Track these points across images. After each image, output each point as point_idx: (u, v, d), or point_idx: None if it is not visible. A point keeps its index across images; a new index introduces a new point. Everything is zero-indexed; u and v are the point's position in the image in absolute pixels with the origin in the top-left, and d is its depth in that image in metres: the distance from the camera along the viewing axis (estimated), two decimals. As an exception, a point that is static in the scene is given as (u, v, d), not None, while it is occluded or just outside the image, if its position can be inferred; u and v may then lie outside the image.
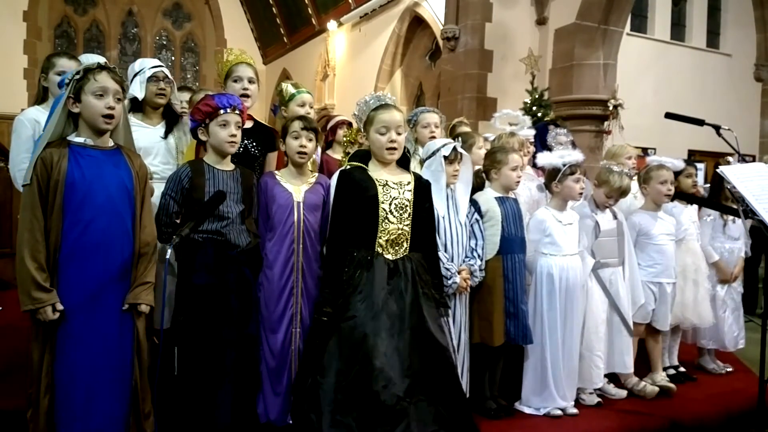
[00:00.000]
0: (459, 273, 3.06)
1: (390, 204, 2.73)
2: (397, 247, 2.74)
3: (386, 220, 2.72)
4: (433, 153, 3.10)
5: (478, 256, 3.16)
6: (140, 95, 3.22)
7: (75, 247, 2.32)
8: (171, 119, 3.35)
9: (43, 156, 2.30)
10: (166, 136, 3.28)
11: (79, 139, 2.39)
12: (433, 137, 3.40)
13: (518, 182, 3.36)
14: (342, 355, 2.61)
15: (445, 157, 3.07)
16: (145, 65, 3.29)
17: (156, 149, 3.20)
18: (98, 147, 2.41)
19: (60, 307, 2.29)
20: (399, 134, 2.76)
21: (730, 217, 4.22)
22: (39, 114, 3.35)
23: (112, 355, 2.38)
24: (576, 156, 3.42)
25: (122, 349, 2.41)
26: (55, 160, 2.29)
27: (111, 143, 2.47)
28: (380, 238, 2.71)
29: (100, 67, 2.37)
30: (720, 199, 4.20)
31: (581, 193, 3.44)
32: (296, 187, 2.93)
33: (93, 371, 2.34)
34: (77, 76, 2.35)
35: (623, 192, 3.54)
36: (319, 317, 2.70)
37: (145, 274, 2.46)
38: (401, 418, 2.54)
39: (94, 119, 2.35)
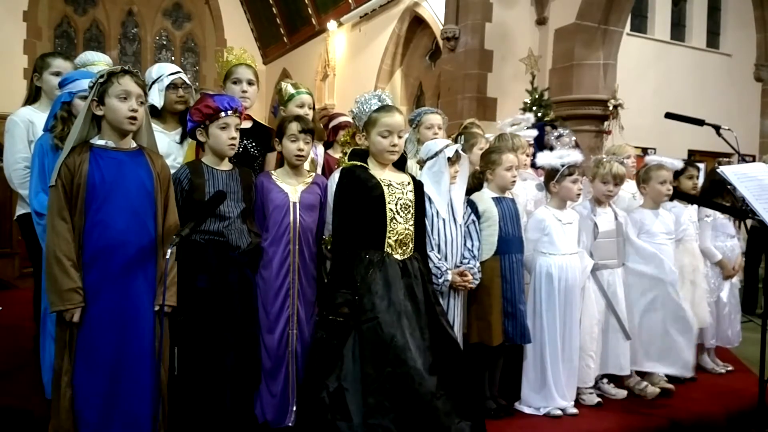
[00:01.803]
0: (462, 275, 3.05)
1: (396, 204, 2.73)
2: (404, 247, 2.74)
3: (394, 221, 2.71)
4: (435, 154, 3.08)
5: (474, 257, 3.15)
6: (159, 103, 3.19)
7: (96, 249, 2.35)
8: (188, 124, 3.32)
9: (67, 160, 2.35)
10: (181, 141, 3.24)
11: (101, 142, 2.43)
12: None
13: (513, 182, 3.35)
14: (365, 358, 2.55)
15: (448, 159, 3.06)
16: (163, 72, 3.24)
17: (170, 154, 3.16)
18: (120, 149, 2.44)
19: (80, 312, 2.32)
20: (400, 137, 2.75)
21: (726, 216, 4.23)
22: (32, 114, 3.33)
23: (134, 354, 2.40)
24: (574, 156, 3.42)
25: (146, 348, 2.43)
26: (77, 164, 2.34)
27: (133, 144, 2.50)
28: (389, 238, 2.70)
29: (124, 71, 2.42)
30: (716, 199, 4.20)
31: (579, 194, 3.44)
32: (292, 188, 2.91)
33: (116, 371, 2.37)
34: (101, 80, 2.39)
35: (616, 176, 3.52)
36: (335, 318, 2.61)
37: (171, 275, 2.47)
38: (436, 414, 2.53)
39: (119, 121, 2.39)
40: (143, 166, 2.47)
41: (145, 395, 2.42)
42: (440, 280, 2.98)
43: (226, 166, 2.80)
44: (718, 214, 4.20)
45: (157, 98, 3.18)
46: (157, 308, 2.44)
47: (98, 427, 2.35)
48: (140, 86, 2.44)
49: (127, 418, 2.39)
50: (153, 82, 3.22)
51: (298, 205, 2.89)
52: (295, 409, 2.87)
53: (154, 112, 3.23)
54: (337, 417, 2.51)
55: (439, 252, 3.03)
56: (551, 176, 3.41)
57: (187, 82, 3.30)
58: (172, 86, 3.23)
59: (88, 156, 2.37)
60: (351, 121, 3.16)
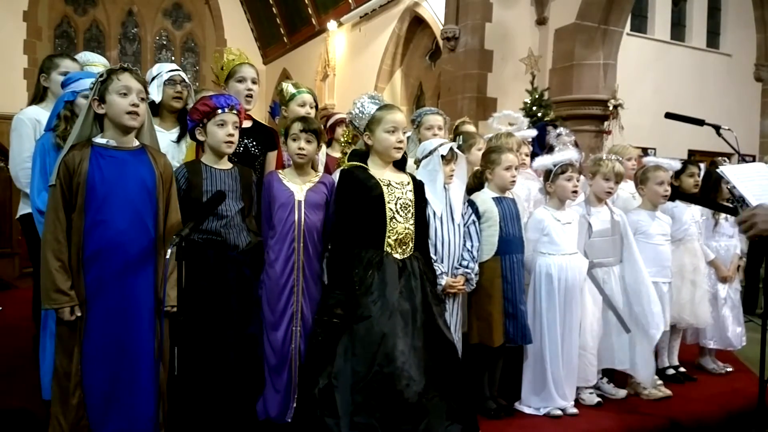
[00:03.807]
0: (455, 280, 3.05)
1: (395, 204, 2.73)
2: (404, 247, 2.74)
3: (394, 220, 2.72)
4: (430, 152, 3.09)
5: (473, 258, 3.14)
6: (157, 98, 3.23)
7: (96, 248, 2.35)
8: (186, 124, 3.34)
9: (66, 159, 2.35)
10: (178, 141, 3.26)
11: (102, 140, 2.42)
12: None
13: (513, 182, 3.35)
14: (357, 356, 2.57)
15: (443, 157, 3.06)
16: (162, 69, 3.30)
17: (167, 153, 3.16)
18: (122, 147, 2.44)
19: (78, 312, 2.33)
20: (404, 134, 2.78)
21: (722, 216, 4.23)
22: (39, 113, 3.35)
23: (134, 353, 2.40)
24: (566, 155, 3.43)
25: (146, 348, 2.43)
26: (77, 162, 2.34)
27: (136, 143, 2.50)
28: (389, 237, 2.71)
29: (123, 68, 2.43)
30: (714, 198, 4.20)
31: (575, 192, 3.44)
32: (298, 186, 2.94)
33: (116, 370, 2.37)
34: (101, 78, 2.39)
35: (618, 174, 3.54)
36: (329, 319, 2.64)
37: (172, 278, 2.47)
38: (423, 416, 2.54)
39: (119, 117, 2.39)
40: (146, 165, 2.47)
41: (145, 395, 2.42)
42: None
43: (225, 165, 2.80)
44: (710, 213, 4.21)
45: (155, 93, 3.21)
46: (168, 308, 2.45)
47: (98, 427, 2.35)
48: (140, 82, 2.44)
49: (126, 418, 2.39)
50: (152, 79, 3.26)
51: (303, 203, 2.90)
52: (294, 405, 2.88)
53: (153, 110, 3.25)
54: (325, 413, 2.54)
55: (435, 253, 3.02)
56: (546, 177, 3.45)
57: (186, 80, 3.33)
58: (170, 82, 3.26)
59: (89, 154, 2.36)
60: (346, 117, 3.18)
